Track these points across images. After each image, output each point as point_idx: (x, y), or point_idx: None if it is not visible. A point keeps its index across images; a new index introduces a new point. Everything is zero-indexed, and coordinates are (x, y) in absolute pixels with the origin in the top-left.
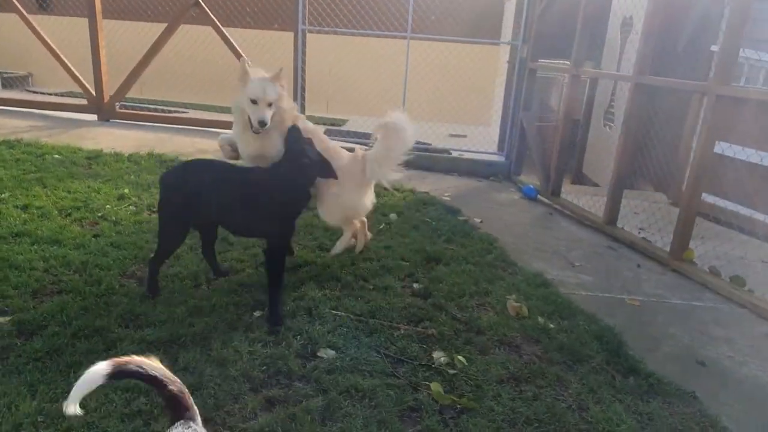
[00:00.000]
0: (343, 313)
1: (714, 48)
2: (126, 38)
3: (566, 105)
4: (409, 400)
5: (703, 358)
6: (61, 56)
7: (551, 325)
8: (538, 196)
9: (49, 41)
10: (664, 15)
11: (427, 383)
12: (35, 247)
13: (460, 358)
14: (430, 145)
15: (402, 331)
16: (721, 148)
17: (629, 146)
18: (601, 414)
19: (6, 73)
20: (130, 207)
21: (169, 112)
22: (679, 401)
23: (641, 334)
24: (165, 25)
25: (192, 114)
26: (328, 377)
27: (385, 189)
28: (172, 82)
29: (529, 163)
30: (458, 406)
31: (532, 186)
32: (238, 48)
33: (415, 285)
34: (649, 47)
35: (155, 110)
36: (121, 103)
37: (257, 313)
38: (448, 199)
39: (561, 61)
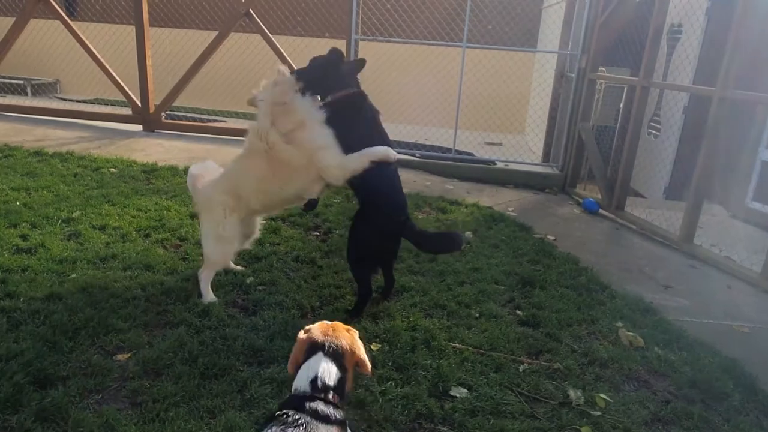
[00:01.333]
0: (462, 346)
1: None
2: (163, 47)
3: (634, 117)
4: None
5: None
6: (106, 65)
7: (672, 357)
8: (600, 210)
9: (93, 49)
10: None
11: (576, 427)
12: (128, 273)
13: (603, 396)
14: (472, 154)
15: (527, 366)
16: None
17: (711, 161)
18: None
19: (34, 80)
20: None
21: (209, 121)
22: None
23: (763, 364)
24: (202, 32)
25: (232, 123)
26: (471, 420)
27: (453, 203)
28: (213, 90)
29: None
30: None
31: (593, 199)
32: (286, 56)
33: (519, 312)
34: (735, 61)
35: (199, 120)
36: (166, 113)
37: (374, 347)
38: (513, 214)
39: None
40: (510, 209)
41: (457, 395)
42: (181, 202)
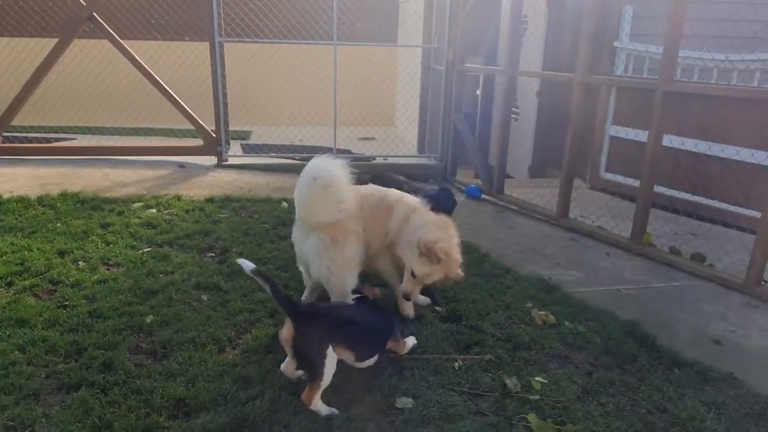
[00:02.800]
0: (393, 354)
1: (617, 44)
2: None
3: (503, 105)
4: None
5: (714, 336)
6: None
7: (582, 329)
8: (482, 195)
9: None
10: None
11: (522, 415)
12: None
13: (538, 380)
14: (350, 151)
15: (461, 362)
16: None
17: (575, 141)
18: (683, 413)
19: None
20: (80, 263)
21: (55, 140)
22: (726, 385)
23: (655, 323)
24: (38, 40)
25: (84, 141)
26: (425, 431)
27: None
28: (60, 105)
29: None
30: None
31: (474, 185)
32: (142, 62)
33: (438, 308)
34: (588, 49)
35: (44, 140)
36: (3, 135)
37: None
38: None
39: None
40: None
41: (404, 406)
42: (43, 239)
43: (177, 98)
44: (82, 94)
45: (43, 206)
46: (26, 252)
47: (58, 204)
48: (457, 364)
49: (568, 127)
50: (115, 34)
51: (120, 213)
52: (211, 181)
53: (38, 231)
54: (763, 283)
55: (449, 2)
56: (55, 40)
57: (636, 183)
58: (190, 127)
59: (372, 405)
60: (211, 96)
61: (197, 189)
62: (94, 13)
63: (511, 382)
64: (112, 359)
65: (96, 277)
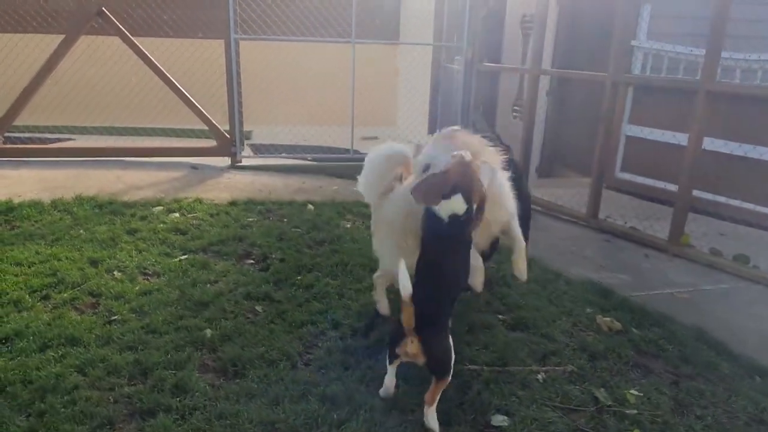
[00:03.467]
0: (476, 366)
1: (635, 43)
2: None
3: (529, 103)
4: None
5: None
6: None
7: (651, 336)
8: None
9: None
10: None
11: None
12: (50, 354)
13: (633, 392)
14: (358, 152)
15: (543, 375)
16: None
17: (606, 141)
18: None
19: None
20: (116, 273)
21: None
22: None
23: (718, 328)
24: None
25: (82, 141)
26: None
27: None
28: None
29: None
30: None
31: None
32: (152, 58)
33: (500, 316)
34: (619, 49)
35: (45, 141)
36: (5, 135)
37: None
38: None
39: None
40: None
41: (500, 424)
42: (70, 247)
43: (190, 97)
44: (88, 93)
45: (58, 211)
46: (55, 262)
47: (75, 209)
48: (540, 376)
49: (597, 127)
50: (125, 30)
51: (143, 218)
52: (228, 183)
53: (61, 239)
54: None
55: (468, 1)
56: (61, 37)
57: (653, 183)
58: (201, 127)
59: (468, 424)
60: (223, 95)
61: (215, 191)
62: (104, 8)
63: (600, 394)
64: (183, 380)
65: (138, 288)
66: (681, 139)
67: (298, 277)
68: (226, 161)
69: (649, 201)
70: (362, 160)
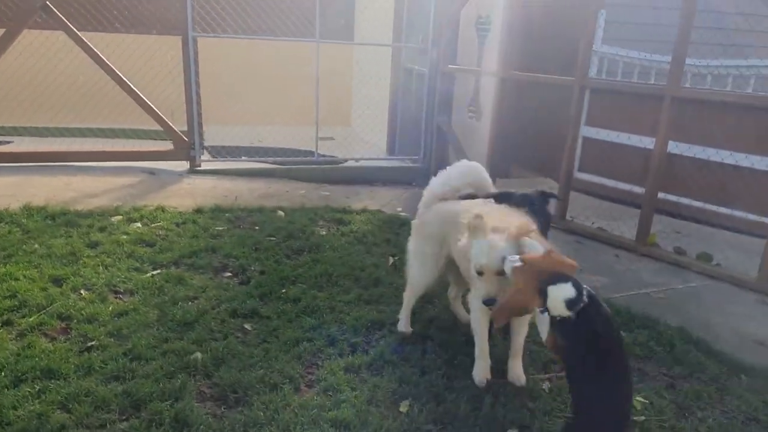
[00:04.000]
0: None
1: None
2: None
3: (497, 108)
4: None
5: (754, 337)
6: None
7: (640, 338)
8: None
9: None
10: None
11: None
12: (27, 388)
13: (639, 399)
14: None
15: (548, 383)
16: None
17: (572, 143)
18: None
19: None
20: (83, 292)
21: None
22: None
23: (696, 327)
24: None
25: (22, 144)
26: None
27: (342, 211)
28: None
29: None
30: None
31: None
32: (103, 57)
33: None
34: (586, 54)
35: None
36: None
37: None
38: (405, 214)
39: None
40: (399, 209)
41: None
42: (26, 264)
43: (143, 97)
44: (32, 92)
45: (6, 223)
46: (12, 282)
47: (24, 220)
48: (546, 386)
49: (552, 128)
50: (71, 25)
51: (102, 229)
52: (189, 189)
53: (14, 255)
54: None
55: (434, 2)
56: (2, 31)
57: (610, 182)
58: (155, 127)
59: None
60: (177, 95)
61: (177, 198)
62: (48, 2)
63: None
64: (182, 412)
65: (111, 308)
66: (635, 141)
67: (283, 291)
68: (183, 165)
69: (608, 200)
70: (327, 163)
